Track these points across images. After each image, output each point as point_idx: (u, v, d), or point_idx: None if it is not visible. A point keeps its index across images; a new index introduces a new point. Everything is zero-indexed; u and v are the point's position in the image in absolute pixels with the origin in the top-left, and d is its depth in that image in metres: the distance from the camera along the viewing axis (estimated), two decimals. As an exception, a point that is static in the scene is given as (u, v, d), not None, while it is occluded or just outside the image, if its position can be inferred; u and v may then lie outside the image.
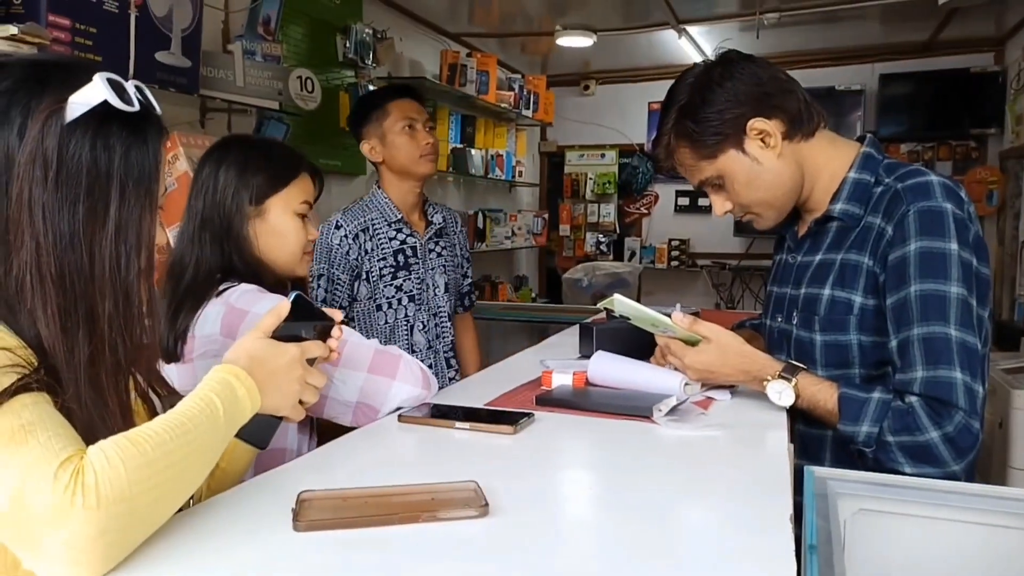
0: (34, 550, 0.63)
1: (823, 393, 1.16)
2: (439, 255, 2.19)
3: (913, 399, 1.10)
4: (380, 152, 2.11)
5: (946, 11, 4.11)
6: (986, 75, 4.89)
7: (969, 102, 4.92)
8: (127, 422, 0.79)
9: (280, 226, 1.32)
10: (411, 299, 2.10)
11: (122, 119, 0.78)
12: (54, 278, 0.74)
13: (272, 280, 1.34)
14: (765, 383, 1.18)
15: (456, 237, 2.30)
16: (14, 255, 0.74)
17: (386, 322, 2.09)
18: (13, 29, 1.84)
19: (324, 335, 0.98)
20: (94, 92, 0.75)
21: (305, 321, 0.96)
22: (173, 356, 1.24)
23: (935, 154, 5.13)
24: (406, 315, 2.10)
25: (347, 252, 2.04)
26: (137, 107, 0.79)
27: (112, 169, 0.77)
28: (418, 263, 2.12)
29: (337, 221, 2.07)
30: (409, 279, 2.10)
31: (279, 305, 0.93)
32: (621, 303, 1.25)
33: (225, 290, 1.25)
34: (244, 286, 1.26)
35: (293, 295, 0.96)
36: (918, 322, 1.11)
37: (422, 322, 2.13)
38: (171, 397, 0.95)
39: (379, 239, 2.08)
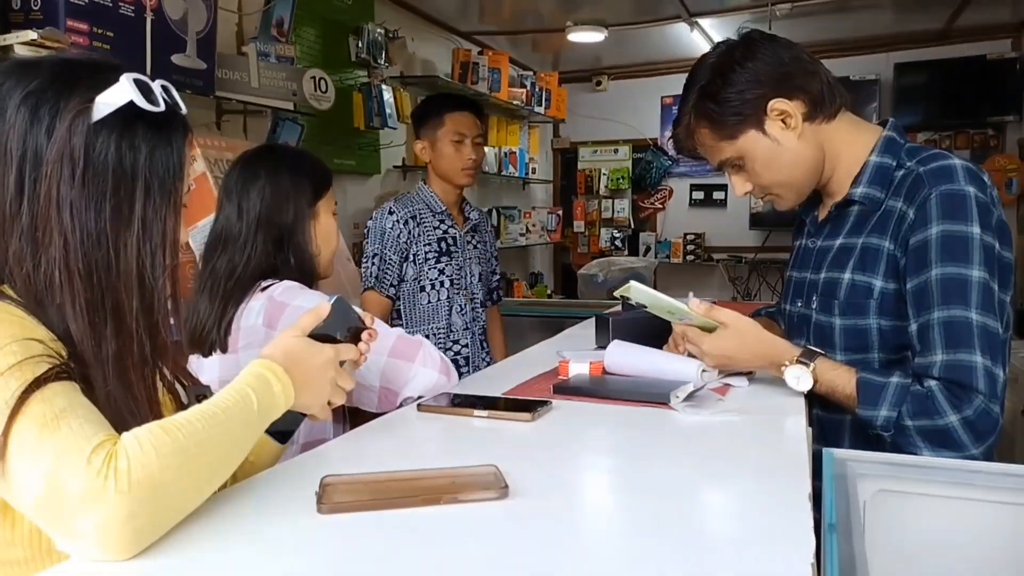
0: (68, 532, 0.65)
1: (841, 378, 1.15)
2: (475, 247, 2.42)
3: (932, 383, 1.09)
4: (429, 154, 2.34)
5: (961, -2, 4.08)
6: (1003, 62, 4.83)
7: (986, 90, 4.87)
8: (154, 414, 0.81)
9: (326, 226, 1.45)
10: (451, 283, 2.31)
11: (148, 119, 0.79)
12: (82, 274, 0.76)
13: (316, 278, 1.44)
14: (783, 368, 1.18)
15: (487, 235, 2.52)
16: (42, 252, 0.76)
17: (428, 302, 2.28)
18: (33, 34, 1.87)
19: (356, 338, 0.99)
20: (120, 93, 0.77)
21: (342, 323, 0.97)
22: (222, 346, 1.31)
23: (952, 143, 5.08)
24: (448, 297, 2.30)
25: (398, 235, 2.24)
26: (163, 107, 0.80)
27: (137, 168, 0.79)
28: (458, 251, 2.34)
29: (391, 207, 2.28)
30: (450, 264, 2.31)
31: (320, 306, 0.95)
32: (637, 290, 1.25)
33: (268, 286, 1.32)
34: (286, 282, 1.33)
35: (334, 298, 0.97)
36: (938, 306, 1.10)
37: (460, 305, 2.33)
38: (196, 388, 0.97)
39: (425, 227, 2.29)
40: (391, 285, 2.24)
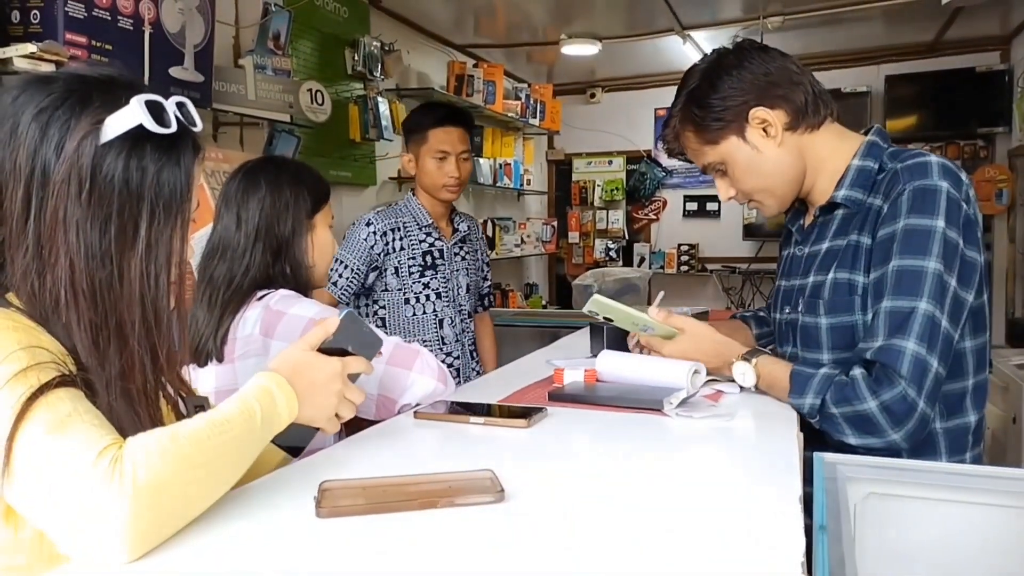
0: (70, 534, 0.66)
1: (779, 371, 1.20)
2: (463, 259, 2.38)
3: (857, 371, 1.12)
4: (414, 168, 2.32)
5: (950, 11, 4.13)
6: (992, 74, 4.89)
7: (976, 101, 4.92)
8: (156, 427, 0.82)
9: (323, 238, 1.47)
10: (438, 296, 2.28)
11: (157, 140, 0.79)
12: (86, 294, 0.76)
13: (310, 289, 1.45)
14: (731, 365, 1.25)
15: (477, 244, 2.49)
16: (48, 270, 0.76)
17: (413, 315, 2.26)
18: (32, 47, 1.89)
19: (370, 353, 0.99)
20: (130, 116, 0.77)
21: (352, 337, 0.96)
22: (218, 356, 1.32)
23: (943, 154, 5.10)
24: (434, 310, 2.28)
25: (372, 246, 2.21)
26: (174, 128, 0.80)
27: (144, 190, 0.79)
28: (445, 264, 2.30)
29: (369, 219, 2.26)
30: (436, 278, 2.28)
31: (328, 320, 0.95)
32: (601, 304, 1.32)
33: (264, 295, 1.34)
34: (281, 291, 1.35)
35: (344, 312, 0.97)
36: (889, 295, 1.12)
37: (450, 318, 2.31)
38: (194, 399, 0.98)
39: (410, 239, 2.26)
40: (353, 294, 2.22)
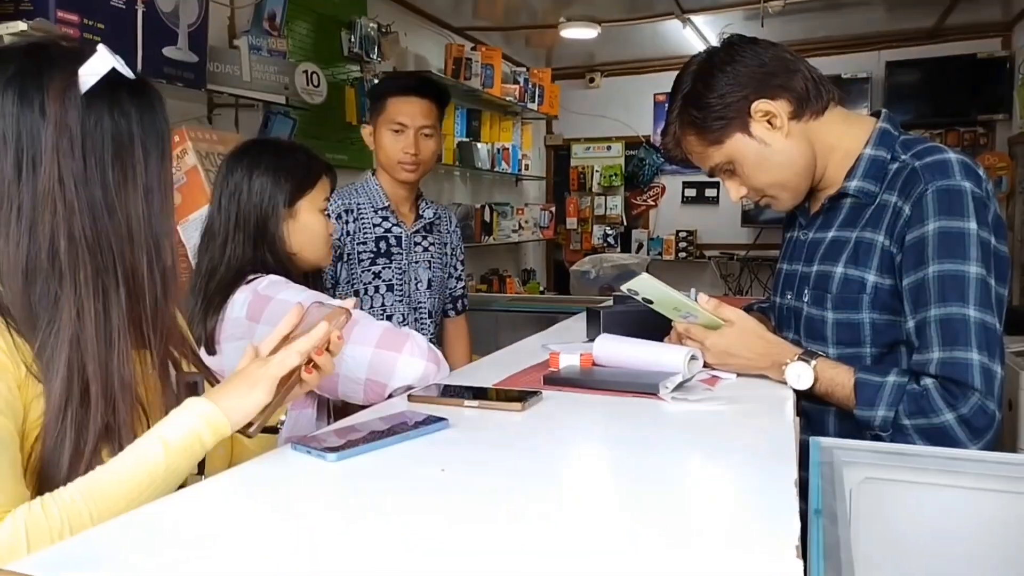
0: None
1: (840, 377, 1.16)
2: (425, 249, 2.13)
3: (928, 381, 1.09)
4: (371, 142, 2.08)
5: (952, -4, 4.10)
6: (993, 60, 4.87)
7: (977, 88, 4.91)
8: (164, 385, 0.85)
9: (309, 224, 1.43)
10: (389, 288, 2.05)
11: (128, 87, 0.81)
12: (88, 242, 0.77)
13: (300, 273, 1.43)
14: (784, 367, 1.18)
15: (448, 236, 2.23)
16: (42, 227, 0.76)
17: (360, 308, 2.07)
18: (23, 25, 1.87)
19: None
20: (102, 62, 0.78)
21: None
22: (207, 345, 1.30)
23: (943, 140, 5.10)
24: (382, 304, 2.04)
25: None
26: (134, 75, 0.82)
27: (132, 133, 0.81)
28: (401, 254, 2.07)
29: None
30: (389, 267, 2.04)
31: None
32: (647, 284, 1.25)
33: (253, 279, 1.33)
34: (271, 276, 1.33)
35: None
36: (936, 303, 1.10)
37: (401, 314, 2.05)
38: (189, 375, 0.96)
39: (363, 222, 2.03)
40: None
